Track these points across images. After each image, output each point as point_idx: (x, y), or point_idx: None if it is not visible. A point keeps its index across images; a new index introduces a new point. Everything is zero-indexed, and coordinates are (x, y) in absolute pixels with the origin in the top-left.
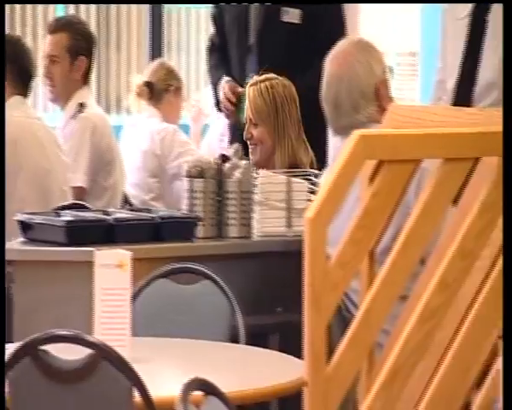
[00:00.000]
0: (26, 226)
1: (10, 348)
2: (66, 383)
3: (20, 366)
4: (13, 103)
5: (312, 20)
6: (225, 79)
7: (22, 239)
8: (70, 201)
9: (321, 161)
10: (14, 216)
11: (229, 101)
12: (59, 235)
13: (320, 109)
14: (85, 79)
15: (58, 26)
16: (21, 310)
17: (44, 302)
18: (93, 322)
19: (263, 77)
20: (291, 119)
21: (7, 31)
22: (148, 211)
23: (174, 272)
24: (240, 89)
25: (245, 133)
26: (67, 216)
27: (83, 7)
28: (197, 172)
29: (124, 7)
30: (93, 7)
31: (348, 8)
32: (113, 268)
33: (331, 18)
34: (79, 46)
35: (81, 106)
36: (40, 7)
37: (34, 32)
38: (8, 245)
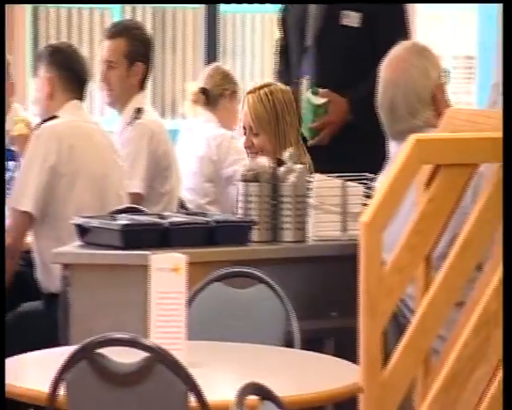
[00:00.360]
0: (82, 230)
1: (67, 352)
2: (122, 387)
3: (77, 369)
4: (69, 108)
5: (372, 24)
6: (312, 87)
7: (79, 243)
8: (126, 205)
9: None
10: (72, 220)
11: None
12: (115, 238)
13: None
14: (142, 85)
15: (116, 32)
16: (78, 313)
17: (100, 306)
18: (148, 325)
19: (261, 84)
20: (291, 125)
21: (65, 37)
22: (204, 215)
23: (229, 276)
24: None
25: (244, 142)
26: (123, 220)
27: (139, 10)
28: (252, 176)
29: (179, 10)
30: (149, 10)
31: None
32: (168, 272)
33: (391, 22)
34: (137, 52)
35: (138, 111)
36: (97, 12)
37: (91, 37)
38: (65, 249)
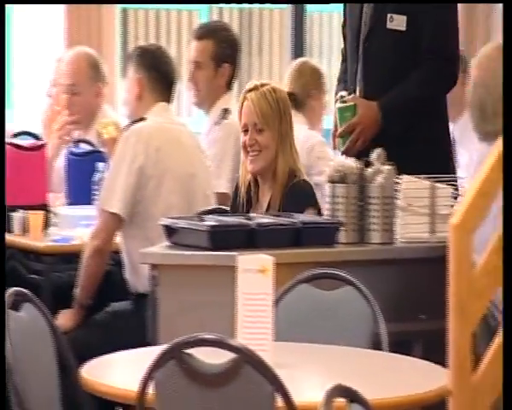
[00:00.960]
0: (170, 231)
1: (156, 351)
2: (210, 387)
3: (166, 369)
4: (157, 110)
5: (418, 28)
6: (340, 94)
7: (167, 243)
8: (213, 205)
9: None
10: (160, 221)
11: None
12: (202, 239)
13: (424, 118)
14: (229, 85)
15: (203, 33)
16: (166, 313)
17: (188, 306)
18: (235, 326)
19: (261, 82)
20: (290, 126)
21: (153, 38)
22: (290, 216)
23: (316, 278)
24: None
25: (248, 139)
26: (211, 221)
27: (226, 11)
28: (339, 178)
29: (266, 11)
30: (236, 11)
31: (480, 11)
32: (255, 273)
33: (437, 24)
34: (224, 53)
35: (225, 112)
36: (185, 12)
37: (179, 38)
38: (153, 249)
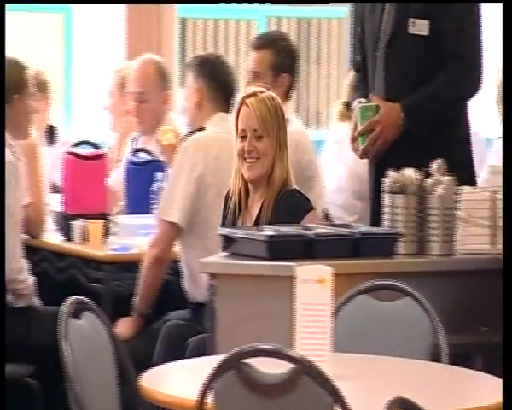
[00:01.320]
0: (228, 240)
1: (215, 361)
2: (268, 397)
3: (224, 379)
4: (215, 120)
5: (440, 34)
6: (357, 101)
7: (225, 253)
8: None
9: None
10: (218, 230)
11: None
12: (260, 249)
13: (447, 122)
14: (287, 95)
15: (262, 43)
16: (224, 323)
17: (246, 315)
18: (293, 337)
19: (258, 88)
20: (286, 132)
21: (211, 47)
22: (349, 226)
23: (375, 289)
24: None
25: (246, 145)
26: (269, 231)
27: (284, 21)
28: (399, 188)
29: (324, 20)
30: (293, 21)
31: None
32: (313, 283)
33: (460, 29)
34: (283, 63)
35: None
36: (243, 22)
37: (237, 47)
38: (211, 259)
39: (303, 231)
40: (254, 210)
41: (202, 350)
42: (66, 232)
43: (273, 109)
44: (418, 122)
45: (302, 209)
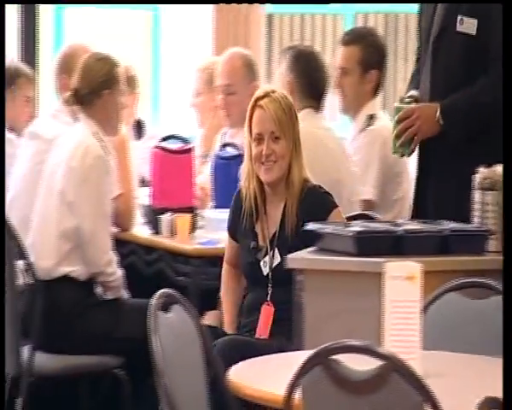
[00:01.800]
0: (316, 236)
1: (302, 356)
2: (356, 394)
3: (312, 374)
4: (303, 115)
5: (488, 32)
6: (409, 94)
7: (313, 248)
8: (357, 211)
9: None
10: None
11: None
12: (348, 245)
13: (490, 127)
14: (375, 91)
15: (351, 39)
16: (311, 318)
17: (333, 312)
18: (381, 334)
19: (268, 88)
20: (299, 130)
21: (297, 42)
22: (438, 223)
23: (465, 287)
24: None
25: (264, 148)
26: (357, 227)
27: (371, 16)
28: (489, 185)
29: (412, 15)
30: (381, 16)
31: None
32: (402, 280)
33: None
34: (371, 59)
35: (370, 118)
36: (329, 17)
37: (324, 43)
38: (298, 254)
39: (391, 228)
40: (276, 214)
41: (228, 352)
42: (155, 226)
43: (287, 109)
44: (454, 124)
45: (328, 206)
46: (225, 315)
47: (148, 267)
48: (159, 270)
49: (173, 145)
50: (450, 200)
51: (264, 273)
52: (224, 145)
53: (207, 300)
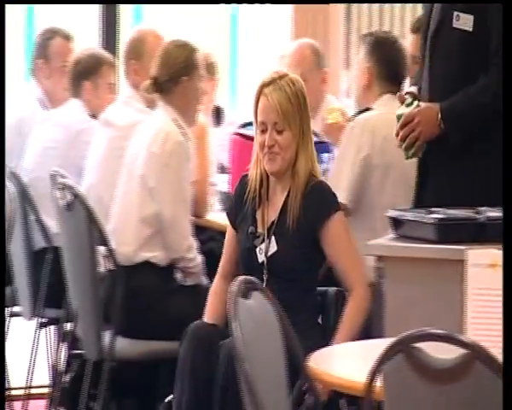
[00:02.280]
0: (396, 222)
1: (383, 344)
2: (438, 382)
3: (394, 362)
4: (384, 101)
5: (486, 29)
6: (407, 89)
7: (392, 235)
8: None
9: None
10: (385, 212)
11: None
12: (430, 232)
13: (485, 130)
14: None
15: (418, 26)
16: (392, 306)
17: (414, 299)
18: (463, 322)
19: (277, 74)
20: (309, 118)
21: (377, 27)
22: None
23: None
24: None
25: (267, 139)
26: (439, 214)
27: None
28: None
29: None
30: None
31: None
32: (485, 268)
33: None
34: None
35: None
36: (408, 7)
37: (402, 32)
38: (378, 241)
39: (474, 215)
40: (277, 201)
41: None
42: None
43: (294, 97)
44: (455, 126)
45: (332, 207)
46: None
47: None
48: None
49: (252, 132)
50: (447, 200)
51: (260, 261)
52: None
53: None
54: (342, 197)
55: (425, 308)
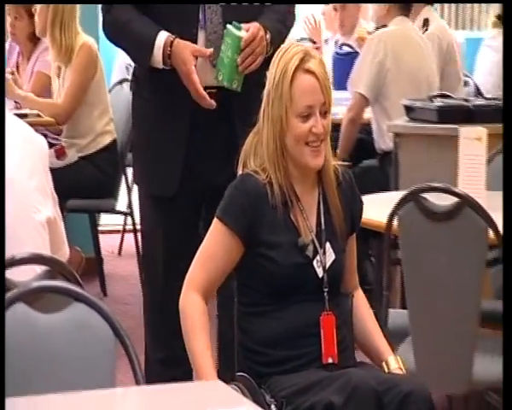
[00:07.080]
0: (408, 109)
1: (398, 195)
2: (439, 222)
3: (406, 207)
4: (397, 21)
5: None
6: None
7: (406, 118)
8: (435, 92)
9: None
10: (400, 101)
11: None
12: (433, 115)
13: None
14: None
15: None
16: (405, 168)
17: (421, 163)
18: (457, 179)
19: (305, 47)
20: None
21: None
22: (499, 99)
23: None
24: None
25: (318, 126)
26: (439, 102)
27: None
28: None
29: None
30: None
31: None
32: (473, 140)
33: None
34: None
35: (426, 22)
36: None
37: None
38: (395, 122)
39: (464, 103)
40: (310, 202)
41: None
42: None
43: (327, 75)
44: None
45: (359, 197)
46: (203, 361)
47: None
48: None
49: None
50: None
51: (320, 275)
52: (342, 45)
53: None
54: (363, 90)
55: (429, 170)
